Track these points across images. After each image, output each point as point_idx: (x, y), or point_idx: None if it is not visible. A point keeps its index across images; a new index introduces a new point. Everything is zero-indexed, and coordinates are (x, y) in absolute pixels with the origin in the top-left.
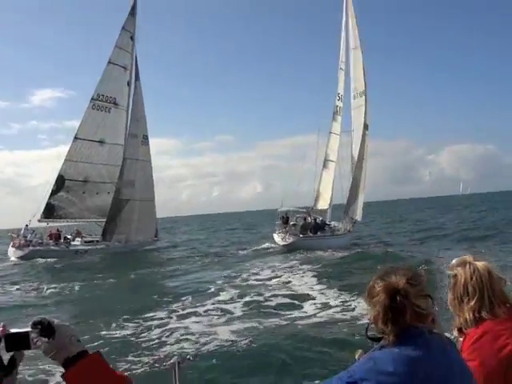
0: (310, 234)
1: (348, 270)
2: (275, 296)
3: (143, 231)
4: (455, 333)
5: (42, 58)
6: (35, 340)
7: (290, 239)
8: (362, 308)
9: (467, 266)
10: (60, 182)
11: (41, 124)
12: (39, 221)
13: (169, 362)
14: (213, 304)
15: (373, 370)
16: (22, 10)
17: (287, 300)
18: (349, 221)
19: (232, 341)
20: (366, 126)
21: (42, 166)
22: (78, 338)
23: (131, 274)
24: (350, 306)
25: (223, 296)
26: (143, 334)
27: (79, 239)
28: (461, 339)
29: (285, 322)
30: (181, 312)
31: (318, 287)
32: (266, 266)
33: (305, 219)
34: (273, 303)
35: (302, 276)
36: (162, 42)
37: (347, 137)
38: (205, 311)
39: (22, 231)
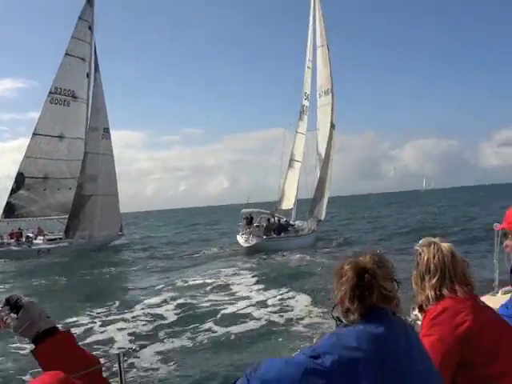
0: (274, 235)
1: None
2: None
3: (107, 226)
4: (416, 312)
5: (2, 47)
6: (5, 318)
7: (253, 241)
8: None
9: (432, 246)
10: (20, 180)
11: (1, 115)
12: None
13: (113, 354)
14: (142, 309)
15: (336, 344)
16: None
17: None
18: (313, 220)
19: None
20: (332, 126)
21: (4, 158)
22: (47, 314)
23: (78, 276)
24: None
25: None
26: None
27: (41, 237)
28: (421, 318)
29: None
30: (104, 318)
31: (258, 287)
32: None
33: (268, 220)
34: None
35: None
36: (127, 32)
37: (313, 134)
38: (132, 317)
39: None
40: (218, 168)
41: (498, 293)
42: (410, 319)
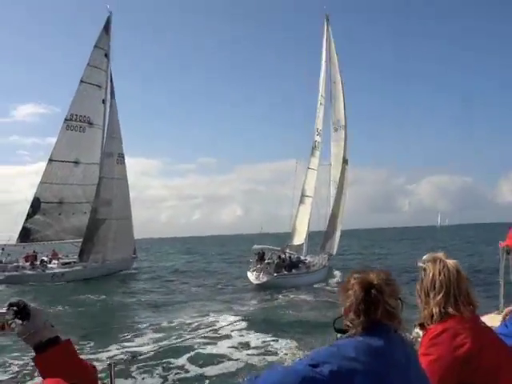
0: (285, 272)
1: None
2: None
3: (120, 250)
4: (417, 329)
5: (26, 72)
6: (10, 322)
7: (264, 278)
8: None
9: (437, 262)
10: (36, 205)
11: (22, 139)
12: (15, 245)
13: (105, 365)
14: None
15: (335, 354)
16: (6, 21)
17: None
18: (324, 255)
19: None
20: (345, 161)
21: (23, 182)
22: (51, 323)
23: (70, 305)
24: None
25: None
26: None
27: (56, 261)
28: (421, 335)
29: None
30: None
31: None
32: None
33: (279, 257)
34: None
35: None
36: (140, 56)
37: (326, 168)
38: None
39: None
40: (231, 197)
41: (503, 311)
42: (412, 336)
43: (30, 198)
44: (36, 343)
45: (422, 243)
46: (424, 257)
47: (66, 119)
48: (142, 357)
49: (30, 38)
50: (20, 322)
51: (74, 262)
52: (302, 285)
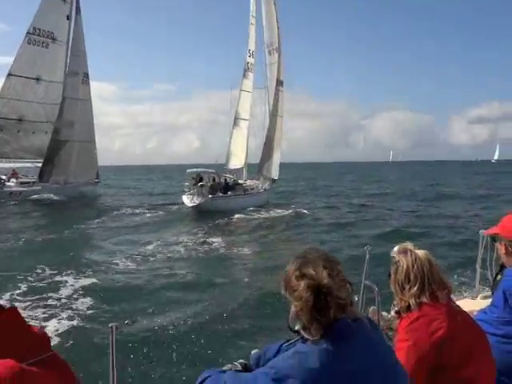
0: (220, 194)
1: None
2: None
3: (83, 173)
4: (392, 312)
5: None
6: None
7: (198, 200)
8: None
9: (408, 254)
10: None
11: None
12: None
13: (106, 327)
14: None
15: (298, 366)
16: None
17: None
18: (264, 179)
19: None
20: (279, 82)
21: None
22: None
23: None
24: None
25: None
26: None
27: (14, 180)
28: (397, 320)
29: None
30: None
31: None
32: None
33: (214, 179)
34: None
35: None
36: None
37: (261, 93)
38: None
39: None
40: (188, 126)
41: (477, 297)
42: (390, 316)
43: None
44: None
45: (363, 178)
46: (394, 249)
47: (28, 32)
48: (144, 321)
49: None
50: None
51: (34, 183)
52: (239, 207)
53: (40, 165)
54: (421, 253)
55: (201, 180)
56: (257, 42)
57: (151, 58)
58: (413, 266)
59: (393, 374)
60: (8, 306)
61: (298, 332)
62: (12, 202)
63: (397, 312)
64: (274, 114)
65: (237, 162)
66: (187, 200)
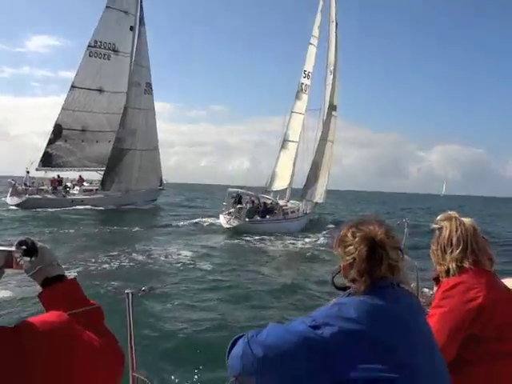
0: (258, 218)
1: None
2: None
3: (145, 181)
4: (435, 289)
5: (41, 3)
6: (18, 259)
7: (234, 222)
8: None
9: (453, 220)
10: (57, 131)
11: (34, 71)
12: (37, 169)
13: (122, 294)
14: None
15: (336, 315)
16: None
17: None
18: (307, 203)
19: None
20: (332, 107)
21: (32, 113)
22: (58, 262)
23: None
24: None
25: None
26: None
27: (78, 188)
28: (432, 292)
29: None
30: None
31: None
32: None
33: (253, 202)
34: None
35: None
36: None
37: (315, 116)
38: None
39: (24, 178)
40: (240, 148)
41: None
42: (431, 293)
43: (41, 131)
44: (42, 279)
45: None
46: (438, 217)
47: (89, 45)
48: (158, 289)
49: None
50: (28, 258)
51: (96, 190)
52: (277, 232)
53: (102, 173)
54: (466, 220)
55: (239, 200)
56: (315, 64)
57: (205, 79)
58: (456, 230)
59: (426, 346)
60: (71, 276)
61: (341, 289)
62: (70, 208)
63: (435, 278)
64: (323, 139)
65: (282, 183)
66: (224, 221)
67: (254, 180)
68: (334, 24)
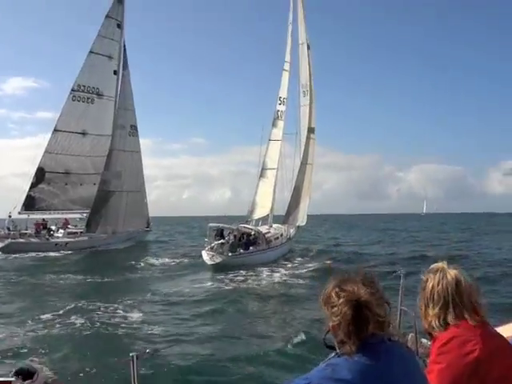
0: (241, 251)
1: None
2: None
3: (132, 222)
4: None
5: (15, 47)
6: None
7: (218, 259)
8: None
9: (438, 273)
10: (40, 175)
11: (11, 113)
12: (19, 213)
13: (127, 357)
14: None
15: (330, 377)
16: None
17: None
18: (289, 226)
19: None
20: (310, 130)
21: (10, 155)
22: (53, 377)
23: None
24: None
25: None
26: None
27: (62, 231)
28: (429, 344)
29: None
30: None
31: None
32: None
33: (235, 236)
34: None
35: None
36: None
37: (292, 141)
38: None
39: (6, 222)
40: (221, 179)
41: None
42: (429, 343)
43: (19, 172)
44: None
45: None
46: (428, 269)
47: (72, 90)
48: (163, 350)
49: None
50: (29, 381)
51: (81, 232)
52: (262, 262)
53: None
54: (451, 272)
55: (221, 233)
56: (289, 88)
57: (183, 109)
58: (438, 285)
59: None
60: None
61: (333, 348)
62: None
63: (430, 334)
64: (303, 163)
65: (263, 211)
66: (207, 257)
67: (235, 209)
68: (306, 46)
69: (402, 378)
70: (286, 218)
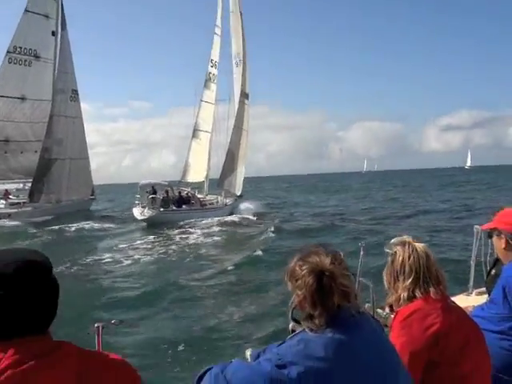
0: (173, 208)
1: None
2: None
3: (76, 191)
4: (387, 309)
5: None
6: None
7: (148, 213)
8: None
9: (406, 246)
10: None
11: None
12: None
13: (92, 327)
14: None
15: (303, 353)
16: None
17: None
18: (228, 194)
19: None
20: (244, 94)
21: None
22: None
23: None
24: None
25: None
26: None
27: (4, 202)
28: (392, 316)
29: None
30: None
31: None
32: None
33: (167, 192)
34: None
35: None
36: None
37: (225, 107)
38: None
39: None
40: (164, 143)
41: (472, 293)
42: (385, 313)
43: None
44: None
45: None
46: (392, 240)
47: (8, 51)
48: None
49: None
50: None
51: (24, 203)
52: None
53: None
54: (419, 245)
55: (154, 193)
56: (221, 53)
57: (124, 74)
58: (409, 258)
59: (396, 371)
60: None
61: (300, 323)
62: None
63: (390, 306)
64: (237, 127)
65: (197, 176)
66: (137, 213)
67: (178, 173)
68: (238, 14)
69: (374, 352)
70: (219, 183)
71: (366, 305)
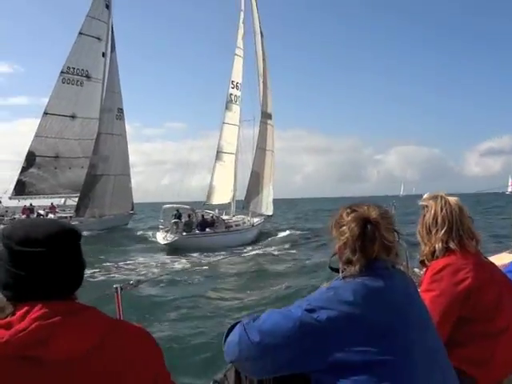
0: (197, 231)
1: None
2: None
3: (118, 206)
4: (424, 270)
5: None
6: None
7: (170, 237)
8: None
9: (439, 199)
10: (30, 159)
11: None
12: (10, 198)
13: (111, 289)
14: None
15: (333, 299)
16: None
17: None
18: (253, 214)
19: None
20: (265, 115)
21: None
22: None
23: None
24: None
25: None
26: None
27: (52, 215)
28: (422, 272)
29: None
30: None
31: None
32: None
33: (189, 216)
34: None
35: None
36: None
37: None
38: None
39: None
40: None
41: None
42: (421, 272)
43: None
44: None
45: None
46: (425, 196)
47: (62, 72)
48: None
49: None
50: None
51: (71, 217)
52: (221, 246)
53: (77, 199)
54: (452, 199)
55: (179, 217)
56: (243, 74)
57: (163, 97)
58: (441, 210)
59: (425, 326)
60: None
61: (338, 271)
62: None
63: (421, 262)
64: (260, 148)
65: (222, 198)
66: (160, 237)
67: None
68: (259, 35)
69: (403, 303)
70: (245, 204)
71: (403, 263)
